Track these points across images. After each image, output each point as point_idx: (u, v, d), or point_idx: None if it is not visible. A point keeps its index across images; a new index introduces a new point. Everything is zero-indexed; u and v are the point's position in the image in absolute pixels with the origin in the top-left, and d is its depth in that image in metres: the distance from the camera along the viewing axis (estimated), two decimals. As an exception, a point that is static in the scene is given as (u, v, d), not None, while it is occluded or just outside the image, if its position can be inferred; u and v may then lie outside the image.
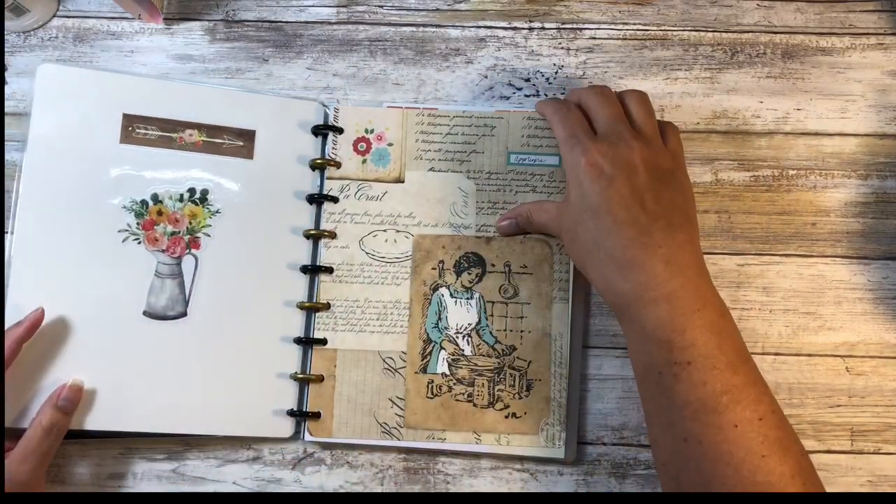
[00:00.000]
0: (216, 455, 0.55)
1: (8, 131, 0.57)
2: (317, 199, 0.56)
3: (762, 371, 0.55)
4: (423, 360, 0.54)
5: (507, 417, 0.54)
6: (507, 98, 0.58)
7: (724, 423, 0.42)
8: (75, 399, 0.51)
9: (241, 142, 0.56)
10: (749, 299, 0.56)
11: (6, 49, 0.58)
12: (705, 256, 0.56)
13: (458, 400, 0.54)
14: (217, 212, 0.55)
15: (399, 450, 0.55)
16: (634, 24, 0.59)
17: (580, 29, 0.59)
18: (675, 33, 0.59)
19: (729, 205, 0.57)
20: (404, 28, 0.59)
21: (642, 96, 0.50)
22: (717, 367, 0.43)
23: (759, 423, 0.42)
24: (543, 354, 0.54)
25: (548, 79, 0.58)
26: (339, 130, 0.56)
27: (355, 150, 0.56)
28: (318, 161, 0.56)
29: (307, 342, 0.55)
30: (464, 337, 0.54)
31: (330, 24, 0.59)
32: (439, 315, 0.55)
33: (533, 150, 0.55)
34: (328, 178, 0.56)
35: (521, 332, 0.54)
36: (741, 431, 0.42)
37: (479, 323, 0.55)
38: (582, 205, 0.47)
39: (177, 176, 0.55)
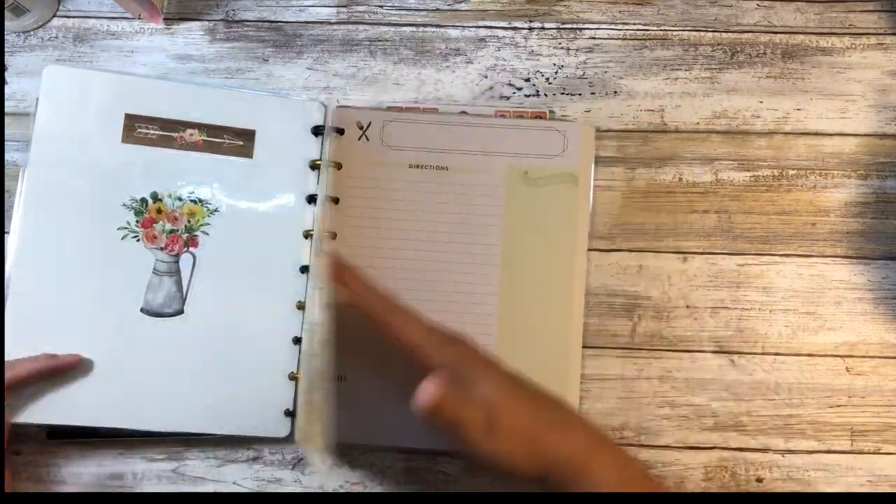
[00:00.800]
0: (216, 455, 0.55)
1: (8, 131, 0.57)
2: (317, 200, 0.56)
3: (762, 371, 0.55)
4: (422, 360, 0.54)
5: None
6: (507, 98, 0.58)
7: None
8: (70, 361, 0.52)
9: (240, 141, 0.56)
10: (749, 299, 0.56)
11: (6, 49, 0.58)
12: (705, 256, 0.56)
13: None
14: (216, 210, 0.55)
15: (399, 450, 0.55)
16: (634, 24, 0.59)
17: (580, 29, 0.59)
18: (675, 33, 0.59)
19: (729, 205, 0.57)
20: (404, 28, 0.59)
21: None
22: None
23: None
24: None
25: (548, 79, 0.58)
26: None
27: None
28: (319, 161, 0.56)
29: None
30: None
31: (330, 24, 0.59)
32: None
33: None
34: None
35: (521, 332, 0.54)
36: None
37: None
38: (514, 432, 0.42)
39: (177, 175, 0.55)
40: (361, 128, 0.56)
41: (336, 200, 0.56)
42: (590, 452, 0.43)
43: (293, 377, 0.54)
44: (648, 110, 0.58)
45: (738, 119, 0.58)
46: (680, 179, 0.57)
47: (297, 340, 0.55)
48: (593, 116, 0.58)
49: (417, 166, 0.56)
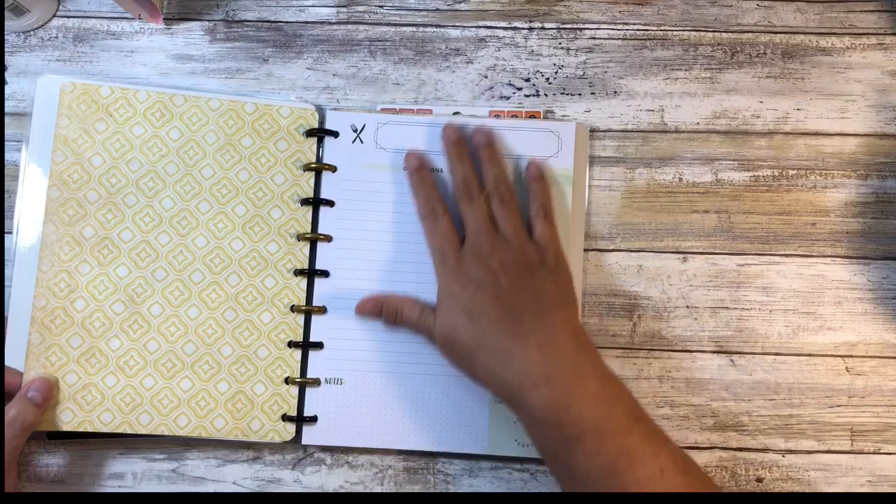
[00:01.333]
0: (216, 455, 0.55)
1: (8, 131, 0.57)
2: (313, 203, 0.56)
3: (762, 371, 0.55)
4: (420, 362, 0.54)
5: (505, 419, 0.54)
6: (507, 98, 0.58)
7: (626, 483, 0.43)
8: (46, 392, 0.51)
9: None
10: (749, 299, 0.56)
11: (6, 49, 0.58)
12: (705, 256, 0.56)
13: (455, 401, 0.54)
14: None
15: (399, 450, 0.55)
16: (634, 24, 0.59)
17: (580, 29, 0.59)
18: (675, 33, 0.59)
19: (729, 205, 0.57)
20: (404, 28, 0.59)
21: (507, 196, 0.52)
22: (608, 434, 0.44)
23: (660, 476, 0.43)
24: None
25: (548, 79, 0.58)
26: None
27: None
28: (314, 165, 0.56)
29: (304, 346, 0.55)
30: None
31: (330, 24, 0.59)
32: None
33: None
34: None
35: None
36: (643, 487, 0.43)
37: None
38: (458, 309, 0.49)
39: (176, 176, 0.55)
40: (356, 130, 0.56)
41: (331, 203, 0.56)
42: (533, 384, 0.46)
43: (294, 381, 0.54)
44: (648, 110, 0.58)
45: (738, 119, 0.58)
46: (680, 179, 0.57)
47: (297, 344, 0.55)
48: (593, 116, 0.58)
49: None
